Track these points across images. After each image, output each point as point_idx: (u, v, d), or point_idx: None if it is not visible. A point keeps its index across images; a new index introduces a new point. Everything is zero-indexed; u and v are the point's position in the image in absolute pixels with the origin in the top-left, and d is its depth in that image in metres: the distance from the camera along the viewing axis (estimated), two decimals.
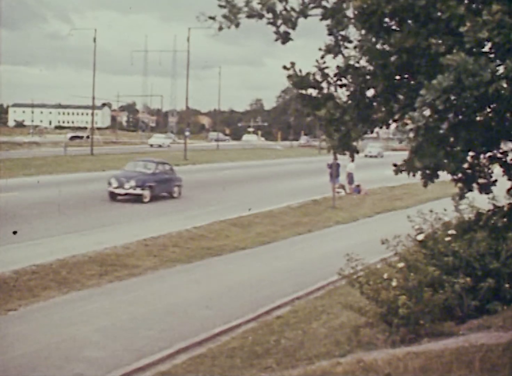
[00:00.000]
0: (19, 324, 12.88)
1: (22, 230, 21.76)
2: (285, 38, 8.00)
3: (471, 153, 8.18)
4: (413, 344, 10.43)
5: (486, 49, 6.93)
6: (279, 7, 7.81)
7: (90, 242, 19.85)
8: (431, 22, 7.15)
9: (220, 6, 7.79)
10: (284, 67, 8.19)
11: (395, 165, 8.07)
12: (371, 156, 73.29)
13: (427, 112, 7.11)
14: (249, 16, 7.78)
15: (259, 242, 22.08)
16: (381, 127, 8.42)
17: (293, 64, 8.17)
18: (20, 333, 12.35)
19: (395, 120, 8.34)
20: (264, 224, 25.31)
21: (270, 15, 7.83)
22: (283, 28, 7.90)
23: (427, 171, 7.72)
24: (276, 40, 8.00)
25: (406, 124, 7.44)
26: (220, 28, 7.84)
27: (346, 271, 11.70)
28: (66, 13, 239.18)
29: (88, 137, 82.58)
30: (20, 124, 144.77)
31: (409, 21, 7.39)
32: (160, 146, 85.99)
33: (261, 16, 7.81)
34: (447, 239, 11.96)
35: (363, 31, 7.54)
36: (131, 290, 15.69)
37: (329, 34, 7.97)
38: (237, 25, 7.84)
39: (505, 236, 11.20)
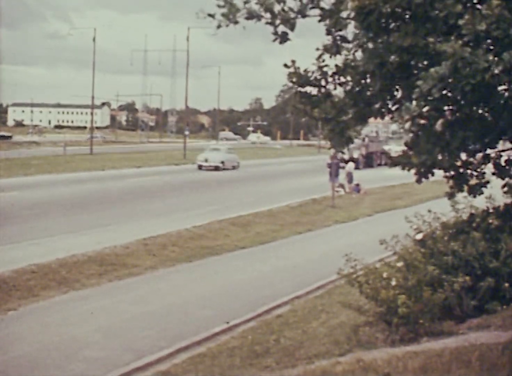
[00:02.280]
0: (18, 324, 12.88)
1: (22, 229, 21.77)
2: (283, 38, 8.03)
3: (465, 152, 8.20)
4: (413, 343, 10.44)
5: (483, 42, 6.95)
6: (277, 7, 7.85)
7: (89, 241, 19.84)
8: (429, 21, 7.17)
9: (219, 6, 7.83)
10: (285, 65, 8.22)
11: (391, 158, 8.08)
12: (209, 168, 47.36)
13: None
14: (248, 17, 7.82)
15: (258, 241, 22.06)
16: (375, 118, 8.40)
17: (293, 62, 8.21)
18: (19, 333, 12.35)
19: (391, 116, 8.37)
20: (264, 223, 25.29)
21: (268, 16, 7.86)
22: (281, 28, 7.94)
23: (423, 168, 7.74)
24: (274, 40, 8.03)
25: (402, 117, 7.47)
26: (219, 27, 7.89)
27: (346, 270, 11.71)
28: (65, 13, 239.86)
29: (11, 137, 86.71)
30: (19, 124, 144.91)
31: (407, 21, 7.41)
32: (253, 143, 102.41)
33: (259, 18, 7.84)
34: (446, 238, 11.96)
35: (361, 31, 7.57)
36: (130, 289, 15.69)
37: (327, 34, 8.01)
38: (235, 22, 7.88)
39: (500, 238, 11.20)
